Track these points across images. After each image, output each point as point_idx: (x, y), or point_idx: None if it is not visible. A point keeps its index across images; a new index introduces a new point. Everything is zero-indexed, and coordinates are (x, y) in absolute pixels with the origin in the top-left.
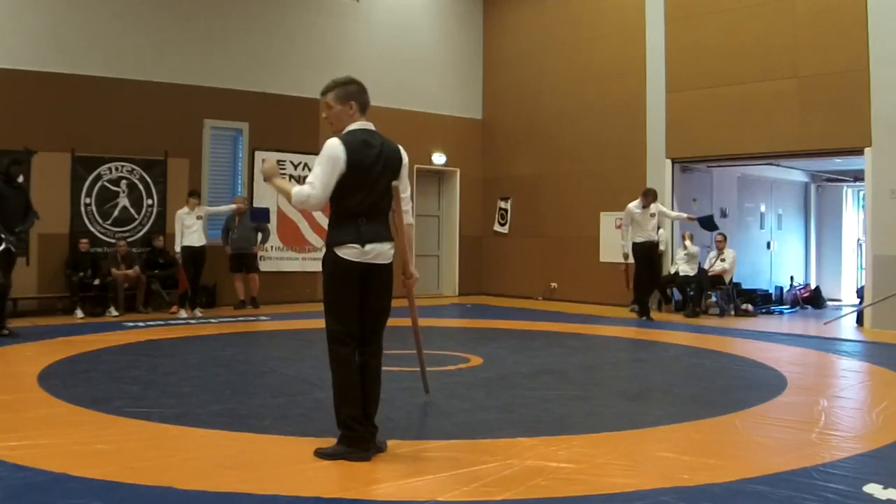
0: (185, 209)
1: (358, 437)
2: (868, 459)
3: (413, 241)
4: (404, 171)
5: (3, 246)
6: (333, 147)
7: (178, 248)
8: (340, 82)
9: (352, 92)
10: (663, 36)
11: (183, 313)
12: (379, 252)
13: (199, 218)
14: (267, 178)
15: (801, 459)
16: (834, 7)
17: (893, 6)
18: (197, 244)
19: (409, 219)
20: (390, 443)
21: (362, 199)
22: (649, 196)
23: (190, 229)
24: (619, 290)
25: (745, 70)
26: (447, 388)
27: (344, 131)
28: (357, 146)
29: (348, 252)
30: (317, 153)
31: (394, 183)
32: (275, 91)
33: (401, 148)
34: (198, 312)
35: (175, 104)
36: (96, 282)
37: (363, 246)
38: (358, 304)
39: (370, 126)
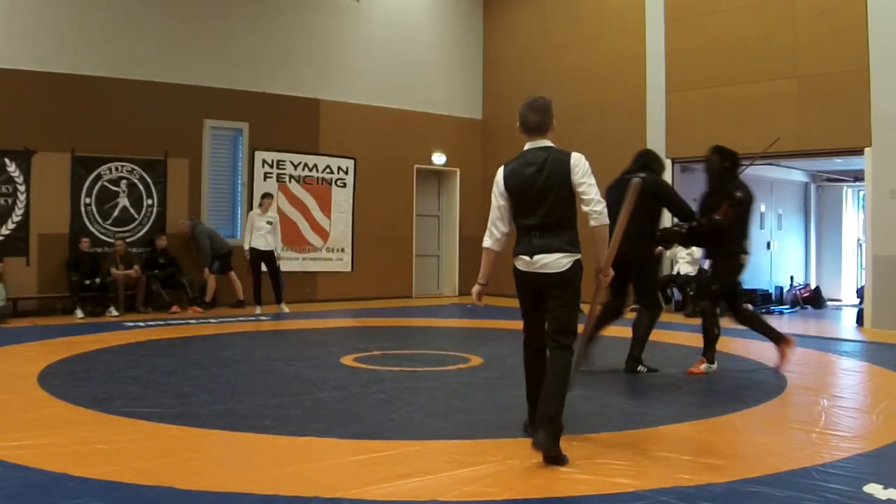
0: (258, 210)
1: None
2: (868, 459)
3: (604, 241)
4: (577, 176)
5: None
6: (496, 175)
7: (246, 248)
8: None
9: (519, 113)
10: (663, 36)
11: (258, 309)
12: (546, 262)
13: (269, 223)
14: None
15: (801, 459)
16: (834, 7)
17: (893, 6)
18: (262, 247)
19: (592, 221)
20: (390, 443)
21: (529, 216)
22: None
23: (259, 231)
24: None
25: (745, 70)
26: (447, 388)
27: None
28: (513, 167)
29: (519, 263)
30: (317, 153)
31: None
32: (275, 91)
33: (572, 154)
34: (285, 308)
35: (175, 104)
36: (87, 282)
37: (531, 257)
38: (535, 310)
39: (540, 143)
